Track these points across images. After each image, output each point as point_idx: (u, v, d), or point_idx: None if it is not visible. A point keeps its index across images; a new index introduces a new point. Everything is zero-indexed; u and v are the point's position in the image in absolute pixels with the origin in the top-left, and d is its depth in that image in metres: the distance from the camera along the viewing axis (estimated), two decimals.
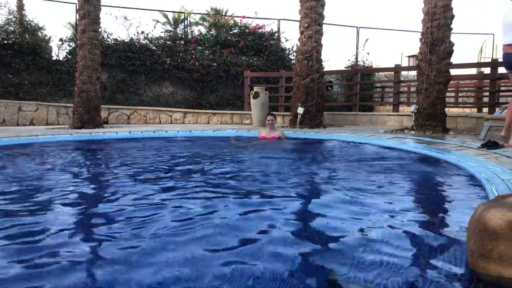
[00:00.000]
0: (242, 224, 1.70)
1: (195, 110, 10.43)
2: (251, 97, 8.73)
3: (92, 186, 2.36)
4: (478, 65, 12.85)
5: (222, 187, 2.50)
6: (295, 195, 2.20)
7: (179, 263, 1.34)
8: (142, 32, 11.51)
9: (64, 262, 1.32)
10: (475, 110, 10.87)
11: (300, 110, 7.87)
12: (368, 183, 2.64)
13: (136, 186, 2.44)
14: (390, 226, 1.70)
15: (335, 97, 13.55)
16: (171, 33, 11.93)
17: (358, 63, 13.96)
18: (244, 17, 12.39)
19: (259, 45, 12.02)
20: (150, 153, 4.33)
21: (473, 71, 14.45)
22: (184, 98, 12.08)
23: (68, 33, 12.44)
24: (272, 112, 6.36)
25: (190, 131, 7.02)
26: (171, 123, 10.21)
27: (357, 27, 13.98)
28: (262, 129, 6.25)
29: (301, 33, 7.95)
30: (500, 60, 6.90)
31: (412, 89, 13.03)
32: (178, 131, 6.93)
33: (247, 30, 12.04)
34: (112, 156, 4.17)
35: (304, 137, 6.27)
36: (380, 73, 15.17)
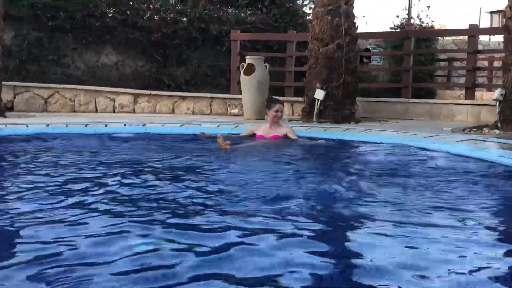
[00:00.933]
0: None
1: (153, 92, 10.45)
2: (242, 72, 8.72)
3: None
4: None
5: (190, 219, 2.46)
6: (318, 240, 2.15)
7: None
8: None
9: None
10: None
11: (320, 94, 7.87)
12: (432, 215, 2.60)
13: (42, 215, 2.40)
14: None
15: (375, 74, 13.64)
16: None
17: (412, 21, 14.03)
18: None
19: None
20: (77, 160, 4.30)
21: None
22: (135, 72, 12.08)
23: None
24: (277, 98, 6.37)
25: (144, 125, 7.00)
26: (114, 111, 10.18)
27: None
28: (258, 125, 6.24)
29: None
30: None
31: (497, 63, 13.13)
32: (125, 125, 6.91)
33: None
34: (13, 164, 4.13)
35: (325, 137, 6.27)
36: (446, 37, 15.27)
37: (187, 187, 3.16)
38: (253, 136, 6.01)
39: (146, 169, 3.88)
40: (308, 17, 12.47)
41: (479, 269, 1.87)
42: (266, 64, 8.72)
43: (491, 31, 9.51)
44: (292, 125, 7.12)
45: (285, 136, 5.89)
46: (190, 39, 12.01)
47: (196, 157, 4.62)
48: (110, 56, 12.01)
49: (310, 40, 8.25)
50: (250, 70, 8.67)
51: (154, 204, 2.69)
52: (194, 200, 2.75)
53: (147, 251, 1.90)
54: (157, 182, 3.32)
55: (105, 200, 2.74)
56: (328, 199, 2.91)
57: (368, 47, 13.29)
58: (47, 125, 6.74)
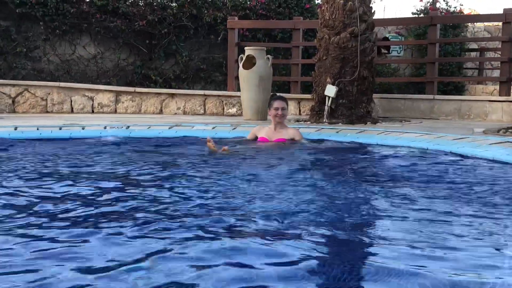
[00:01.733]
0: None
1: (138, 89, 10.50)
2: (241, 65, 8.73)
3: None
4: None
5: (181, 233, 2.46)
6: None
7: None
8: None
9: None
10: None
11: (331, 90, 7.88)
12: (463, 233, 2.59)
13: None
14: None
15: (395, 67, 13.66)
16: None
17: (438, 5, 14.04)
18: None
19: None
20: (48, 170, 4.30)
21: None
22: (117, 66, 12.12)
23: None
24: (280, 95, 6.40)
25: (128, 127, 7.01)
26: (93, 112, 10.20)
27: None
28: (261, 126, 6.25)
29: None
30: None
31: None
32: (105, 128, 6.92)
33: None
34: None
35: (337, 139, 6.30)
36: (477, 24, 15.29)
37: (174, 202, 3.14)
38: (255, 139, 6.05)
39: (129, 181, 3.86)
40: (317, 1, 12.50)
41: None
42: (269, 56, 8.72)
43: None
44: (300, 126, 7.12)
45: (292, 140, 5.91)
46: (180, 28, 12.03)
47: (186, 164, 4.63)
48: (88, 48, 12.03)
49: (319, 27, 8.26)
50: (250, 63, 8.67)
51: (138, 222, 2.67)
52: (184, 220, 2.72)
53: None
54: (141, 195, 3.31)
55: (78, 218, 2.72)
56: (341, 213, 2.90)
57: (387, 35, 13.30)
58: (15, 128, 6.75)
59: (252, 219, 2.72)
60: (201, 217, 2.77)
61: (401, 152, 5.51)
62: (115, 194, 3.28)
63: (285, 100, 6.01)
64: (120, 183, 3.73)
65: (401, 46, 13.54)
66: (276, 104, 5.88)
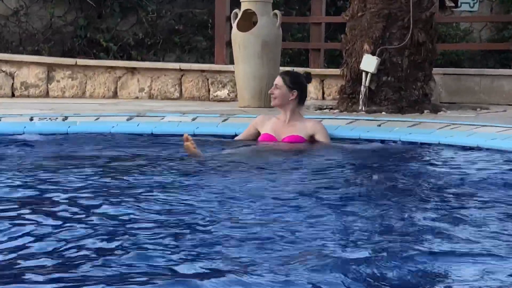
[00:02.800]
0: None
1: (80, 61, 10.49)
2: (235, 25, 8.70)
3: None
4: None
5: None
6: None
7: None
8: None
9: None
10: None
11: (370, 63, 7.86)
12: None
13: None
14: None
15: (466, 28, 13.58)
16: None
17: None
18: None
19: None
20: None
21: None
22: (49, 27, 12.05)
23: None
24: (291, 71, 6.40)
25: (66, 118, 6.99)
26: (13, 95, 10.18)
27: None
28: (264, 116, 6.24)
29: None
30: None
31: None
32: (32, 119, 6.89)
33: None
34: None
35: (378, 136, 6.31)
36: None
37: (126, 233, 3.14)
38: (256, 136, 6.06)
39: (62, 199, 3.86)
40: None
41: None
42: (276, 11, 8.69)
43: None
44: (323, 117, 7.08)
45: (311, 138, 5.92)
46: None
47: (151, 173, 4.65)
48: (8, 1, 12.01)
49: None
50: (248, 21, 8.64)
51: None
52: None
53: None
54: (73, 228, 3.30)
55: None
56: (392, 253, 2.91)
57: None
58: None
59: None
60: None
61: (476, 156, 5.51)
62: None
63: (286, 75, 6.09)
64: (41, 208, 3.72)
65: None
66: (276, 81, 6.01)
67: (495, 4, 13.85)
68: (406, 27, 7.93)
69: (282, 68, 8.66)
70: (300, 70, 7.23)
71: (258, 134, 6.00)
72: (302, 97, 6.03)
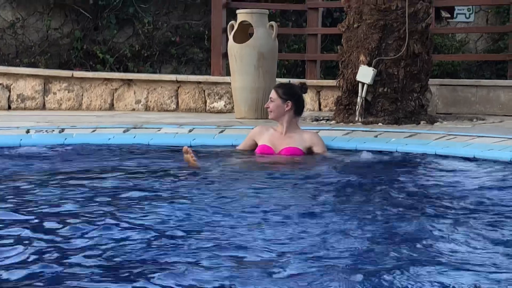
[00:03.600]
0: None
1: (77, 73, 10.49)
2: (231, 37, 8.72)
3: None
4: None
5: None
6: None
7: None
8: None
9: None
10: None
11: (366, 74, 7.87)
12: None
13: None
14: None
15: (462, 39, 13.59)
16: None
17: None
18: None
19: None
20: None
21: None
22: (45, 39, 12.06)
23: None
24: (284, 83, 6.38)
25: (62, 130, 6.99)
26: (10, 107, 10.18)
27: None
28: (262, 127, 6.27)
29: None
30: None
31: None
32: (28, 132, 6.89)
33: None
34: None
35: (375, 147, 6.29)
36: None
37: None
38: (253, 147, 6.08)
39: (60, 214, 3.85)
40: None
41: None
42: (273, 22, 8.71)
43: None
44: (320, 128, 7.08)
45: (309, 150, 5.95)
46: None
47: (148, 184, 4.65)
48: (2, 12, 12.01)
49: None
50: (244, 33, 8.66)
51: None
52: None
53: None
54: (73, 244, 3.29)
55: None
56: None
57: None
58: None
59: None
60: None
61: (472, 167, 5.50)
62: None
63: (279, 88, 6.12)
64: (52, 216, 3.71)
65: (471, 7, 13.53)
66: (271, 95, 6.04)
67: (490, 14, 13.88)
68: (402, 38, 7.94)
69: (278, 80, 8.68)
70: (296, 81, 7.23)
71: (256, 145, 6.02)
72: (298, 108, 6.04)
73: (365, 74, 7.87)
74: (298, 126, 6.11)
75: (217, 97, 10.02)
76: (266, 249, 3.13)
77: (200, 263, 2.89)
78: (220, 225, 3.58)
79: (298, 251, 3.13)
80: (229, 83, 9.21)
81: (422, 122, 7.87)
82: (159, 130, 7.04)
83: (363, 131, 7.06)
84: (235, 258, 3.00)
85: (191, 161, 5.09)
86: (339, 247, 3.19)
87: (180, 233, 3.38)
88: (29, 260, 2.90)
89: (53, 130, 7.00)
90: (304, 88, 6.27)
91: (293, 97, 6.02)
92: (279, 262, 2.96)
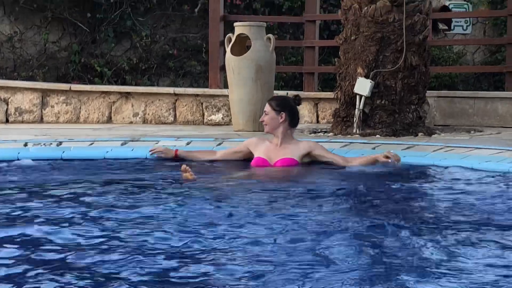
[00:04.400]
0: None
1: (75, 87, 10.50)
2: (229, 49, 8.72)
3: None
4: None
5: None
6: None
7: None
8: None
9: None
10: None
11: (364, 86, 7.87)
12: None
13: None
14: None
15: (459, 51, 13.60)
16: None
17: None
18: None
19: None
20: None
21: None
22: (43, 52, 12.05)
23: None
24: (277, 95, 6.39)
25: (60, 143, 6.98)
26: (7, 121, 10.17)
27: None
28: (259, 139, 6.28)
29: None
30: None
31: None
32: (26, 145, 6.88)
33: None
34: None
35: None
36: None
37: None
38: (248, 159, 6.08)
39: (60, 224, 3.85)
40: None
41: None
42: (270, 35, 8.71)
43: None
44: (318, 140, 7.07)
45: (306, 158, 5.98)
46: None
47: (146, 201, 4.63)
48: (1, 25, 12.01)
49: None
50: (242, 46, 8.67)
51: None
52: None
53: None
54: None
55: None
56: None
57: (447, 3, 13.32)
58: None
59: None
60: None
61: (471, 178, 5.50)
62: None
63: (272, 101, 6.16)
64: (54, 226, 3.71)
65: (468, 19, 13.55)
66: (266, 108, 6.08)
67: (488, 26, 13.90)
68: (400, 50, 7.95)
69: (276, 92, 8.69)
70: (293, 94, 7.21)
71: (248, 154, 6.06)
72: (292, 119, 6.06)
73: (363, 86, 7.87)
74: (294, 138, 6.14)
75: (214, 110, 10.01)
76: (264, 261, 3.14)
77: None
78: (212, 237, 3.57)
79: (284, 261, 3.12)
80: (227, 96, 9.21)
81: (420, 134, 7.88)
82: (157, 143, 7.03)
83: (361, 143, 7.06)
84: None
85: (189, 179, 5.12)
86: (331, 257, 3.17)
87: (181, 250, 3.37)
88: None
89: (51, 143, 6.99)
90: (297, 99, 6.30)
91: (287, 109, 6.04)
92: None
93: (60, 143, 7.01)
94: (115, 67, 12.07)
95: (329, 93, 9.41)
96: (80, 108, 10.24)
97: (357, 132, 7.87)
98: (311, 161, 6.05)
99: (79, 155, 6.63)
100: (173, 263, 3.11)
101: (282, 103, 6.11)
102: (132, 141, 7.16)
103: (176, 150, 6.31)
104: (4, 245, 3.33)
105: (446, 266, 3.02)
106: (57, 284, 2.73)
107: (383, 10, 7.93)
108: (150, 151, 6.42)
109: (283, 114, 5.98)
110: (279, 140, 5.98)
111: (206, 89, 10.36)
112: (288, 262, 3.13)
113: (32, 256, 3.16)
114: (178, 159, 6.17)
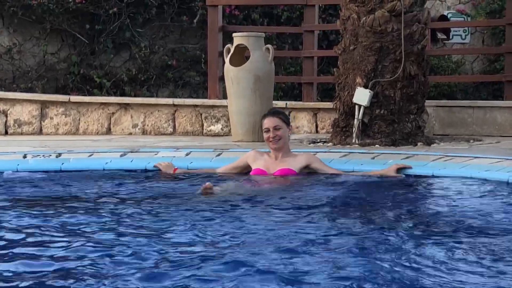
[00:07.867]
0: None
1: (74, 98, 10.50)
2: (228, 60, 8.73)
3: None
4: None
5: None
6: None
7: None
8: None
9: None
10: None
11: (363, 96, 7.88)
12: None
13: None
14: None
15: (458, 60, 13.60)
16: None
17: None
18: None
19: None
20: None
21: None
22: (42, 64, 12.06)
23: None
24: (275, 109, 6.52)
25: (59, 155, 6.98)
26: (6, 133, 10.17)
27: None
28: (257, 152, 6.29)
29: None
30: None
31: None
32: (25, 157, 6.88)
33: None
34: None
35: (372, 169, 6.26)
36: None
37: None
38: (246, 169, 6.09)
39: (58, 240, 3.83)
40: None
41: None
42: (269, 45, 8.72)
43: None
44: (317, 150, 7.08)
45: (304, 170, 5.96)
46: (137, 5, 12.06)
47: (148, 210, 4.61)
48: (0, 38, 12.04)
49: (344, 3, 8.29)
50: (241, 56, 8.68)
51: None
52: None
53: None
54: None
55: None
56: None
57: (446, 13, 13.35)
58: None
59: None
60: None
61: (470, 187, 5.50)
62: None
63: (279, 115, 6.06)
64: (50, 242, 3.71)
65: (466, 29, 13.56)
66: (266, 123, 5.94)
67: (486, 36, 13.92)
68: (398, 60, 7.95)
69: (275, 103, 8.70)
70: (292, 104, 7.24)
71: (248, 168, 6.06)
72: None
73: (362, 96, 7.88)
74: (290, 151, 6.15)
75: (214, 120, 10.02)
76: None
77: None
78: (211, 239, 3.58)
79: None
80: (226, 106, 9.21)
81: (419, 144, 7.88)
82: (156, 154, 7.03)
83: (360, 153, 7.06)
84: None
85: (207, 194, 5.06)
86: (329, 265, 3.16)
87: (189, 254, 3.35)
88: None
89: (50, 155, 6.99)
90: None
91: (289, 121, 6.09)
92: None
93: (60, 154, 7.01)
94: (114, 78, 12.07)
95: (328, 103, 9.41)
96: (79, 120, 10.24)
97: (356, 142, 7.87)
98: (308, 173, 6.05)
99: (79, 167, 6.63)
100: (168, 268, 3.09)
101: (286, 116, 6.17)
102: (132, 152, 7.16)
103: (175, 169, 6.27)
104: None
105: (443, 279, 2.98)
106: None
107: (381, 20, 7.94)
108: (154, 166, 6.43)
109: (290, 127, 6.03)
110: (279, 153, 5.97)
111: (205, 100, 10.37)
112: (283, 269, 3.11)
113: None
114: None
